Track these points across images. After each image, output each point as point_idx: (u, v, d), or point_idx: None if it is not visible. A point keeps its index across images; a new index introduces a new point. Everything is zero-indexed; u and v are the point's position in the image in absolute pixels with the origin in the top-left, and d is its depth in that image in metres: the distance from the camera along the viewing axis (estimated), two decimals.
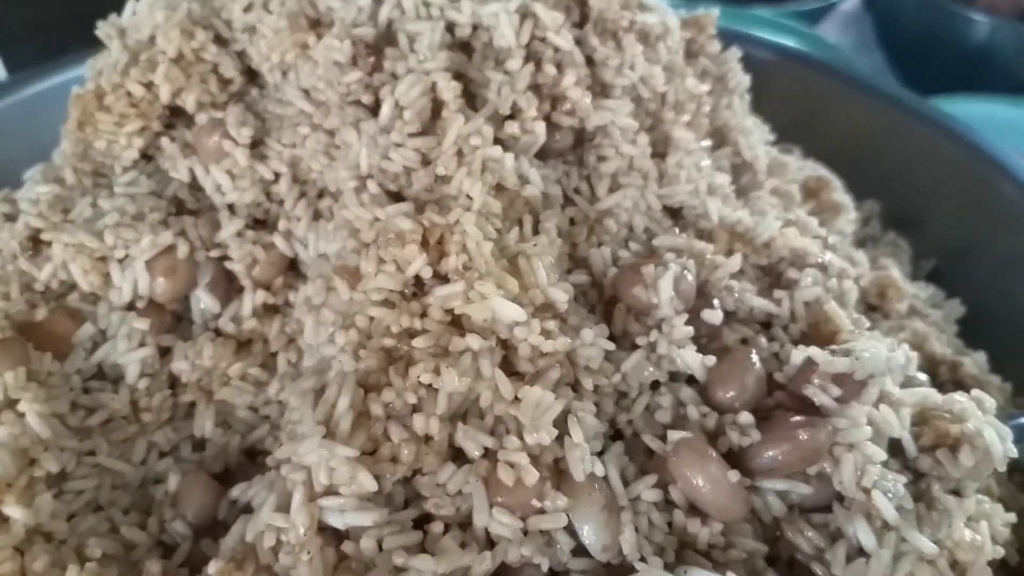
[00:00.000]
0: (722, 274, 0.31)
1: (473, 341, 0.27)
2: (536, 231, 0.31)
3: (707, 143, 0.37)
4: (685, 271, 0.30)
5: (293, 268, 0.34)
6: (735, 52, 0.42)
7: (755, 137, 0.39)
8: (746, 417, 0.28)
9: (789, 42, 0.88)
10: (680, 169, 0.34)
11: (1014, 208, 0.49)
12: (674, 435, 0.28)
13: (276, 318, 0.33)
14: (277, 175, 0.34)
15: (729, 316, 0.32)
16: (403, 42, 0.33)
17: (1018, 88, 0.79)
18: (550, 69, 0.33)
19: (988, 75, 0.81)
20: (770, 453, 0.28)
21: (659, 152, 0.35)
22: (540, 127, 0.32)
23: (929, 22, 0.82)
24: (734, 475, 0.27)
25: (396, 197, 0.31)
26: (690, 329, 0.30)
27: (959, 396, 0.31)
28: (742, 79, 0.40)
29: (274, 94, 0.36)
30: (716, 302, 0.31)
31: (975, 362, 0.42)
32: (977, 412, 0.30)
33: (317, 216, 0.34)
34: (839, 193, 0.44)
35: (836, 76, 0.58)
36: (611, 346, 0.29)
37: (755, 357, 0.29)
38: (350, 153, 0.32)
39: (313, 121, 0.34)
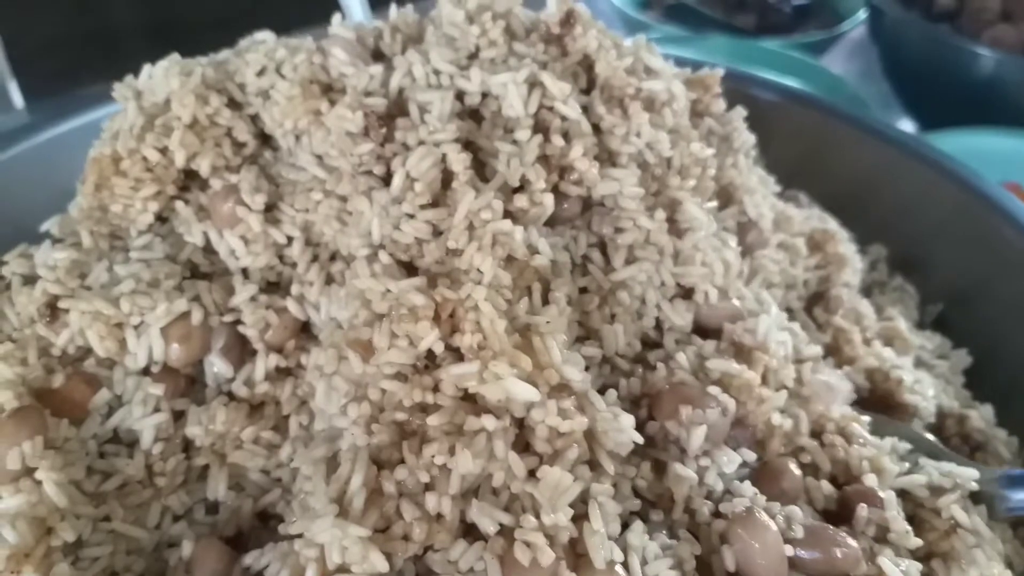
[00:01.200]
0: (766, 409, 0.32)
1: (488, 422, 0.27)
2: (546, 300, 0.31)
3: (713, 204, 0.38)
4: (724, 414, 0.31)
5: (305, 330, 0.35)
6: (740, 112, 0.42)
7: (760, 195, 0.39)
8: (795, 511, 0.29)
9: (796, 73, 0.88)
10: (696, 251, 0.34)
11: (1016, 253, 0.49)
12: (738, 503, 0.29)
13: (288, 381, 0.34)
14: (290, 239, 0.35)
15: None
16: (414, 112, 0.34)
17: (1018, 119, 0.79)
18: (558, 140, 0.33)
19: (994, 108, 0.81)
20: (810, 552, 0.29)
21: (673, 223, 0.35)
22: (548, 199, 0.32)
23: (934, 55, 0.83)
24: (788, 549, 0.28)
25: (408, 267, 0.32)
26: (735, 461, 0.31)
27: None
28: (747, 138, 0.40)
29: (287, 158, 0.37)
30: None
31: (982, 415, 0.42)
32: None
33: (329, 280, 0.34)
34: (844, 245, 0.44)
35: (841, 118, 0.58)
36: (639, 438, 0.30)
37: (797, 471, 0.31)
38: (362, 221, 0.33)
39: (326, 187, 0.34)
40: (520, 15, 0.38)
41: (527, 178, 0.32)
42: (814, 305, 0.42)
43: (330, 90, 0.36)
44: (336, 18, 0.39)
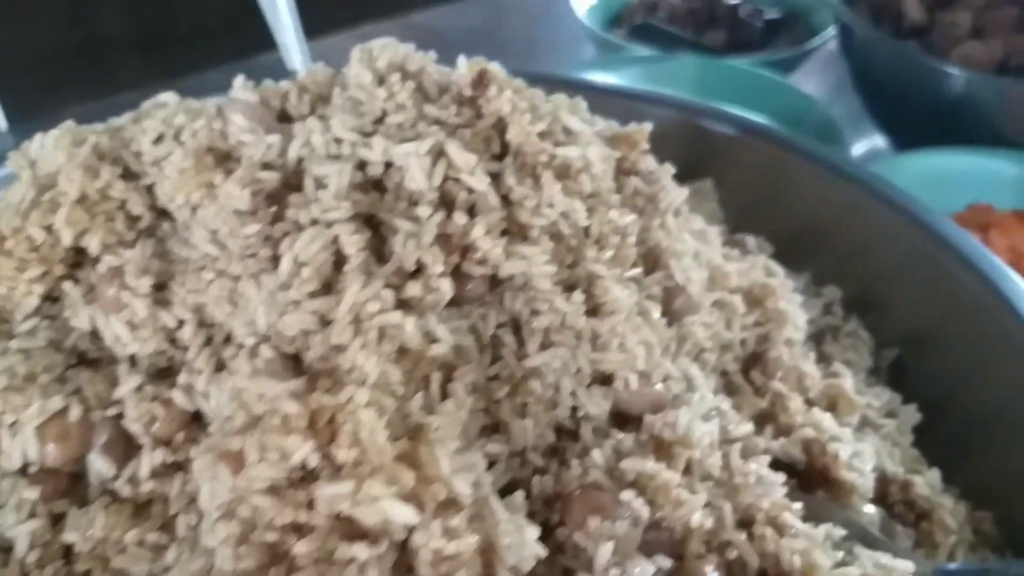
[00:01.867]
0: (685, 512, 0.29)
1: (360, 550, 0.24)
2: (445, 393, 0.29)
3: (637, 270, 0.35)
4: (636, 523, 0.28)
5: (198, 419, 0.32)
6: (668, 169, 0.39)
7: (688, 259, 0.37)
8: None
9: (764, 92, 0.85)
10: (615, 336, 0.31)
11: (971, 298, 0.46)
12: None
13: (177, 476, 0.31)
14: (181, 322, 0.32)
15: None
16: (309, 187, 0.31)
17: (996, 140, 0.76)
18: (460, 217, 0.30)
19: (966, 127, 0.78)
20: None
21: (591, 298, 0.32)
22: (445, 284, 0.30)
23: (903, 73, 0.80)
24: None
25: (295, 360, 0.29)
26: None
27: None
28: (675, 196, 0.37)
29: (183, 232, 0.34)
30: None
31: (928, 481, 0.39)
32: None
33: (221, 367, 0.31)
34: (785, 300, 0.41)
35: (797, 152, 0.55)
36: (542, 552, 0.27)
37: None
38: (248, 308, 0.30)
39: (217, 266, 0.32)
40: (433, 74, 0.35)
41: (423, 261, 0.30)
42: (752, 367, 0.39)
43: (228, 159, 0.33)
44: (239, 79, 0.36)
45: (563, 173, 0.33)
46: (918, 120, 0.83)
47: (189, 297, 0.32)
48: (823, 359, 0.47)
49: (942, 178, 0.76)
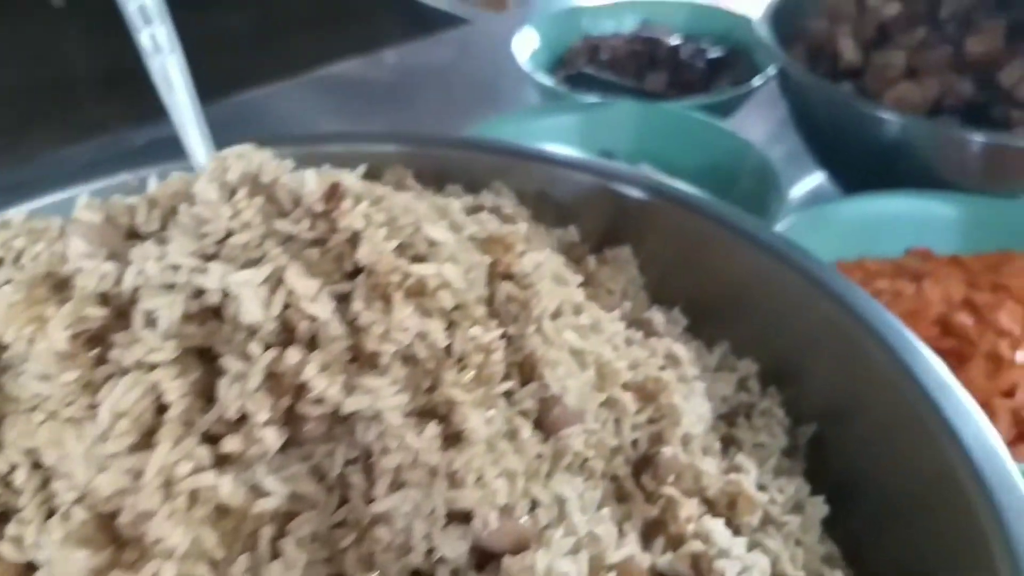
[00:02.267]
0: None
1: None
2: (276, 551, 0.26)
3: (507, 384, 0.33)
4: None
5: (33, 568, 0.30)
6: (544, 271, 0.37)
7: (565, 367, 0.34)
8: None
9: (702, 137, 0.84)
10: (471, 471, 0.29)
11: (882, 373, 0.44)
12: None
13: None
14: (13, 467, 0.30)
15: None
16: (137, 323, 0.29)
17: (933, 182, 0.74)
18: (294, 355, 0.28)
19: (903, 169, 0.76)
20: None
21: (447, 426, 0.30)
22: (270, 435, 0.27)
23: (839, 117, 0.78)
24: None
25: (111, 518, 0.27)
26: None
27: None
28: (549, 304, 0.35)
29: (18, 366, 0.31)
30: None
31: None
32: None
33: (52, 513, 0.29)
34: (680, 395, 0.39)
35: (713, 219, 0.53)
36: None
37: None
38: (69, 461, 0.28)
39: (48, 407, 0.29)
40: (288, 184, 0.33)
41: (247, 409, 0.27)
42: (644, 469, 0.37)
43: (66, 287, 0.31)
44: (82, 198, 0.34)
45: (418, 291, 0.31)
46: (857, 162, 0.81)
47: (19, 440, 0.30)
48: (733, 443, 0.44)
49: (882, 222, 0.74)
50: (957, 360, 0.60)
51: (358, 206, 0.32)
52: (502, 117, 0.86)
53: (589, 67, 0.96)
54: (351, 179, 0.32)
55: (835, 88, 0.76)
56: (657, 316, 0.48)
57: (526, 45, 1.00)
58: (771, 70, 0.91)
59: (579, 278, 0.41)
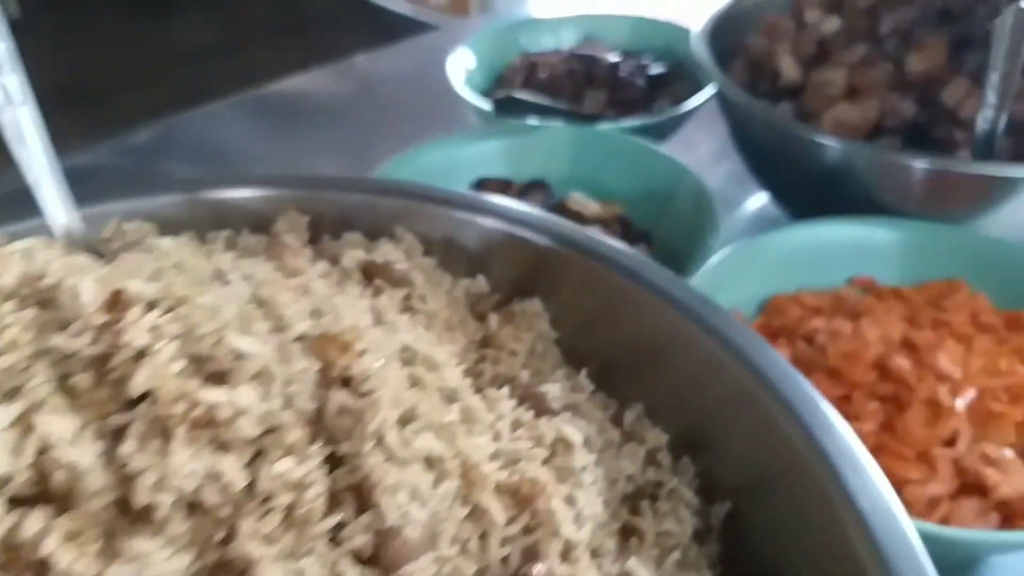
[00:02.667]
0: None
1: None
2: None
3: (332, 521, 0.27)
4: None
5: None
6: (390, 371, 0.31)
7: (407, 492, 0.29)
8: None
9: (637, 161, 0.78)
10: None
11: (792, 449, 0.39)
12: None
13: None
14: None
15: None
16: None
17: (877, 208, 0.69)
18: (35, 522, 0.23)
19: (843, 193, 0.71)
20: None
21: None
22: None
23: (778, 141, 0.73)
24: None
25: None
26: None
27: None
28: (389, 416, 0.30)
29: None
30: None
31: None
32: None
33: None
34: (559, 498, 0.34)
35: (623, 271, 0.48)
36: None
37: None
38: None
39: None
40: (75, 289, 0.28)
41: None
42: None
43: None
44: None
45: (209, 422, 0.25)
46: (798, 186, 0.76)
47: None
48: (635, 533, 0.39)
49: (823, 250, 0.70)
50: (896, 406, 0.55)
51: (147, 316, 0.26)
52: (435, 142, 0.81)
53: (521, 89, 0.90)
54: (139, 284, 0.27)
55: (772, 111, 0.71)
56: (553, 389, 0.42)
57: (460, 65, 0.94)
58: (711, 88, 0.86)
59: (454, 362, 0.36)
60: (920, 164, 0.65)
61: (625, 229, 0.75)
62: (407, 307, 0.45)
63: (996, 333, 0.61)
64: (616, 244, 0.49)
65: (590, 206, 0.74)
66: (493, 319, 0.45)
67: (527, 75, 0.95)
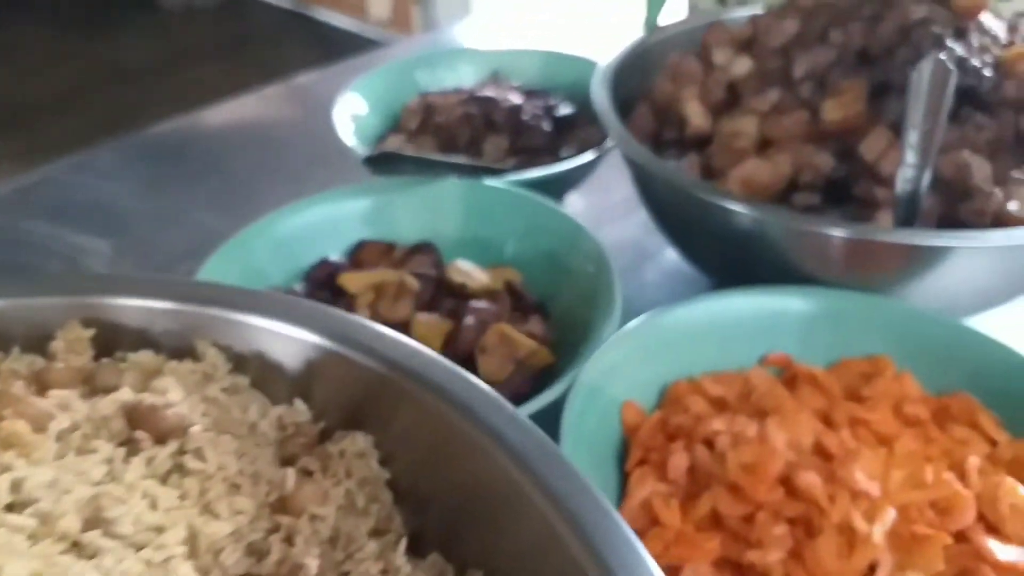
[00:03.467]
0: None
1: None
2: None
3: None
4: None
5: None
6: None
7: None
8: None
9: (530, 219, 0.69)
10: None
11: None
12: None
13: None
14: None
15: None
16: None
17: (793, 276, 0.60)
18: None
19: (758, 260, 0.62)
20: None
21: None
22: None
23: (682, 202, 0.63)
24: None
25: None
26: None
27: None
28: None
29: None
30: None
31: None
32: None
33: None
34: None
35: (458, 406, 0.38)
36: None
37: None
38: None
39: None
40: None
41: None
42: None
43: None
44: None
45: None
46: (706, 249, 0.67)
47: None
48: None
49: (734, 325, 0.60)
50: (806, 531, 0.46)
51: None
52: (316, 197, 0.70)
53: (415, 136, 0.80)
54: None
55: (671, 170, 0.61)
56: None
57: (348, 110, 0.84)
58: None
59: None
60: (835, 232, 0.56)
61: (516, 300, 0.65)
62: (177, 465, 0.35)
63: (922, 429, 0.52)
64: (453, 371, 0.39)
65: (476, 275, 0.64)
66: (291, 476, 0.35)
67: (423, 119, 0.85)
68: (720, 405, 0.55)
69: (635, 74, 0.76)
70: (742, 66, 0.68)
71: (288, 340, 0.42)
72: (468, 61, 0.91)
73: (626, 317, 0.59)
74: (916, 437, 0.51)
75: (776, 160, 0.62)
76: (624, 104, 0.75)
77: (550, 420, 0.50)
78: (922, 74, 0.49)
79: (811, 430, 0.50)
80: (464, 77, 0.92)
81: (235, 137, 1.01)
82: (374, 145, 0.86)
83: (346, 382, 0.42)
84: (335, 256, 0.68)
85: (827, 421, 0.52)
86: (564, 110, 0.86)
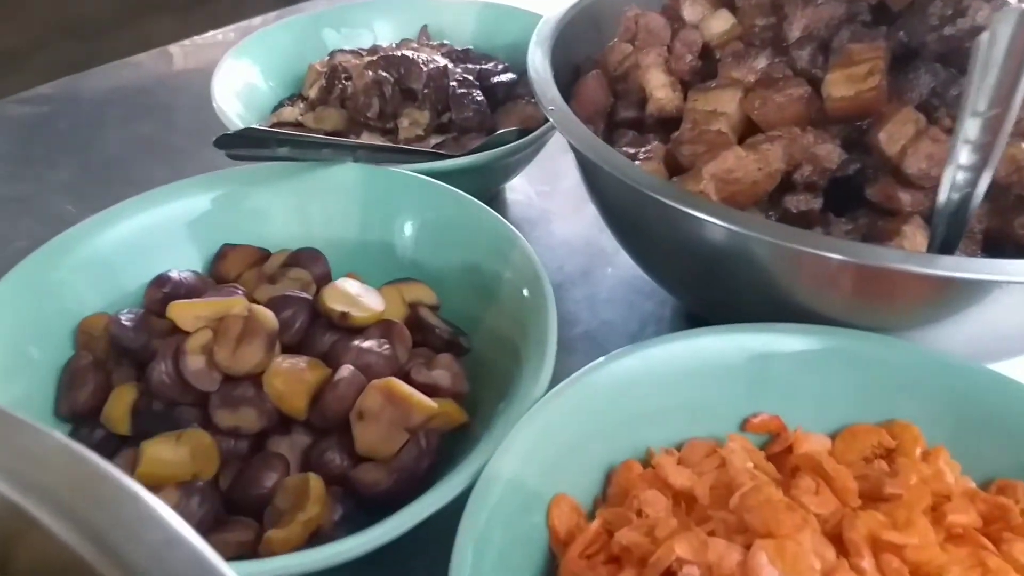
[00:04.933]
0: None
1: None
2: None
3: None
4: None
5: None
6: None
7: None
8: None
9: (449, 218, 0.50)
10: None
11: None
12: None
13: None
14: None
15: None
16: None
17: (782, 307, 0.43)
18: None
19: (734, 285, 0.44)
20: None
21: None
22: None
23: (640, 207, 0.45)
24: None
25: None
26: None
27: None
28: None
29: None
30: None
31: None
32: None
33: None
34: None
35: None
36: None
37: None
38: None
39: None
40: None
41: None
42: None
43: None
44: None
45: None
46: (669, 265, 0.49)
47: None
48: None
49: (708, 375, 0.43)
50: None
51: None
52: (159, 191, 0.51)
53: (309, 108, 0.61)
54: None
55: (626, 164, 0.42)
56: None
57: (237, 76, 0.64)
58: None
59: None
60: (842, 256, 0.38)
61: (422, 334, 0.47)
62: None
63: (973, 548, 0.34)
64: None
65: (365, 301, 0.45)
66: None
67: (328, 84, 0.65)
68: (687, 504, 0.37)
69: (585, 32, 0.57)
70: (720, 23, 0.50)
71: None
72: (386, 14, 0.71)
73: (569, 345, 0.41)
74: (965, 562, 0.34)
75: (764, 151, 0.44)
76: (572, 71, 0.56)
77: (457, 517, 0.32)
78: (996, 35, 0.31)
79: (818, 562, 0.32)
80: (382, 34, 0.72)
81: (114, 106, 0.80)
82: (268, 118, 0.66)
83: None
84: (186, 270, 0.49)
85: (838, 538, 0.34)
86: (502, 76, 0.66)
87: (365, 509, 0.40)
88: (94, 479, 0.21)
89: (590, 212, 0.67)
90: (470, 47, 0.70)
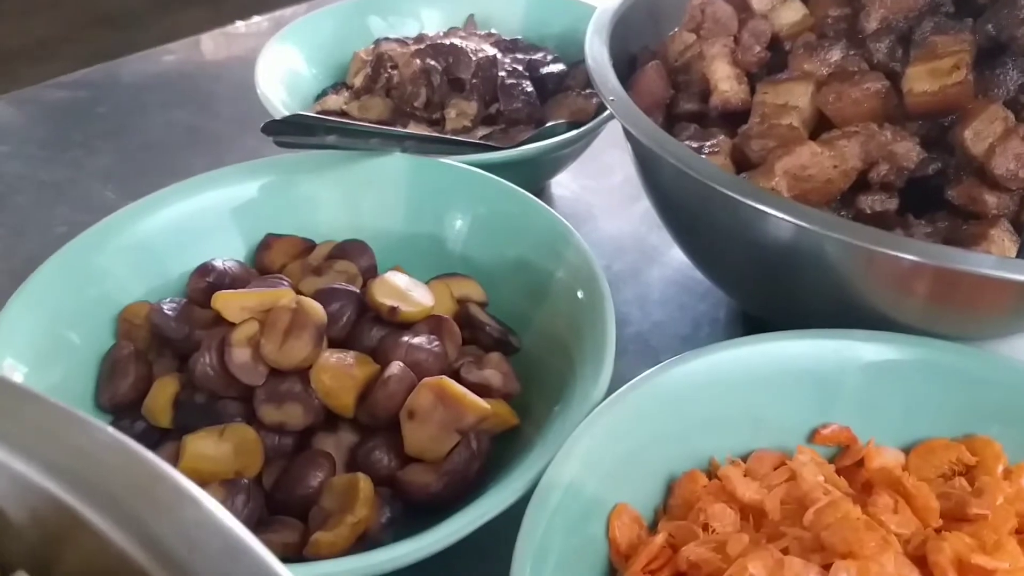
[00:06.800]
0: None
1: None
2: None
3: None
4: None
5: None
6: None
7: None
8: None
9: (499, 212, 0.49)
10: None
11: None
12: None
13: None
14: None
15: None
16: None
17: (855, 314, 0.41)
18: None
19: (804, 289, 0.43)
20: None
21: None
22: None
23: (701, 202, 0.43)
24: None
25: None
26: None
27: None
28: None
29: None
30: None
31: None
32: None
33: None
34: None
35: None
36: None
37: None
38: None
39: None
40: None
41: None
42: None
43: None
44: None
45: None
46: (731, 265, 0.47)
47: None
48: None
49: (774, 384, 0.41)
50: None
51: None
52: (204, 177, 0.50)
53: (355, 96, 0.59)
54: None
55: (689, 156, 0.41)
56: None
57: (278, 61, 0.63)
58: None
59: None
60: (920, 258, 0.36)
61: (471, 331, 0.45)
62: None
63: None
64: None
65: (414, 296, 0.44)
66: None
67: (374, 73, 0.64)
68: (756, 518, 0.35)
69: (645, 22, 0.55)
70: (791, 13, 0.48)
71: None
72: (433, 2, 0.70)
73: (620, 346, 0.40)
74: None
75: (840, 147, 0.42)
76: (629, 62, 0.54)
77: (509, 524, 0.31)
78: None
79: None
80: (429, 23, 0.70)
81: (153, 92, 0.80)
82: (312, 107, 0.65)
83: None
84: (230, 259, 0.48)
85: (920, 559, 0.32)
86: (552, 67, 0.65)
87: (410, 511, 0.38)
88: (151, 480, 0.20)
89: (639, 209, 0.65)
90: (519, 37, 0.69)
